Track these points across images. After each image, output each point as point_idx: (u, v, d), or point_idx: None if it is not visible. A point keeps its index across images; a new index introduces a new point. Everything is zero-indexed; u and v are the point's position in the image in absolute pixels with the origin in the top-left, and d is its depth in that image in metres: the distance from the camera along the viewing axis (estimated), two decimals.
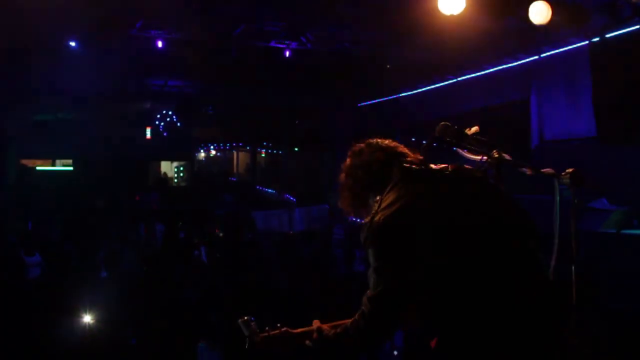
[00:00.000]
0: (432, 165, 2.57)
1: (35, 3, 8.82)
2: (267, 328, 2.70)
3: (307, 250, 13.56)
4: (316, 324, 2.65)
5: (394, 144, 2.69)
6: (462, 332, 2.27)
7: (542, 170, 2.49)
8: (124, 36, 10.64)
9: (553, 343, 2.28)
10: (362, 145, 2.72)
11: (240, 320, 2.72)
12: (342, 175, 2.74)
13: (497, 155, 2.55)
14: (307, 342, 2.64)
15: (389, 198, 2.41)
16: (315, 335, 2.61)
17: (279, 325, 2.72)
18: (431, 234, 2.28)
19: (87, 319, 7.57)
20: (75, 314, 7.70)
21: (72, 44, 10.69)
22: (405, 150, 2.66)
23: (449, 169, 2.52)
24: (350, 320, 2.50)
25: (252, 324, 2.70)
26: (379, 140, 2.71)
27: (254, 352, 2.67)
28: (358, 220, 16.32)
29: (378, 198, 2.49)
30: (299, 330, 2.70)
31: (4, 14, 9.23)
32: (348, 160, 2.74)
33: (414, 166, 2.52)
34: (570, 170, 2.38)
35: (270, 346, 2.66)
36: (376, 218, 2.38)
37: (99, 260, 10.94)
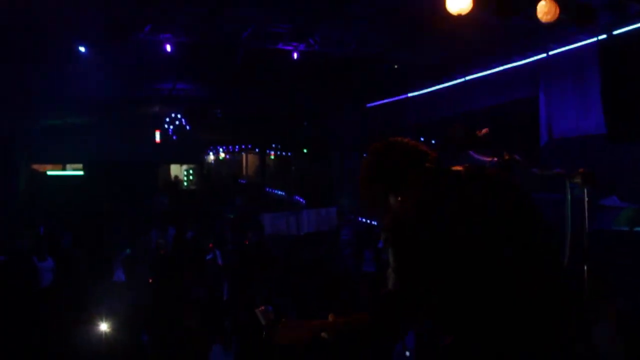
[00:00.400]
0: (450, 166, 2.57)
1: (44, 8, 8.90)
2: (283, 319, 2.72)
3: (315, 252, 13.61)
4: (332, 317, 2.68)
5: (414, 142, 2.66)
6: (476, 332, 2.28)
7: (553, 170, 2.50)
8: (132, 40, 10.69)
9: (566, 342, 2.29)
10: (383, 144, 2.70)
11: (257, 310, 2.72)
12: (363, 175, 2.72)
13: (507, 157, 2.56)
14: (323, 334, 2.66)
15: (410, 198, 2.42)
16: (331, 327, 2.63)
17: (295, 316, 2.74)
18: (449, 235, 2.29)
19: (103, 326, 7.60)
20: (89, 318, 7.74)
21: (82, 49, 10.75)
22: (426, 150, 2.64)
23: (467, 170, 2.52)
24: (365, 315, 2.52)
25: (270, 314, 2.71)
26: (399, 139, 2.69)
27: (270, 343, 2.68)
28: (367, 221, 16.36)
29: (399, 198, 2.50)
30: (315, 322, 2.70)
31: (13, 19, 9.32)
32: (369, 159, 2.71)
33: (434, 166, 2.53)
34: (581, 170, 2.39)
35: (287, 337, 2.67)
36: (397, 218, 2.39)
37: (115, 263, 10.99)
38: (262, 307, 2.73)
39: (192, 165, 29.31)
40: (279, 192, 25.79)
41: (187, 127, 23.90)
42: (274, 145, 29.72)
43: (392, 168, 2.60)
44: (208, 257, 11.57)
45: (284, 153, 30.25)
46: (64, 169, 24.42)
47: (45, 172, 22.98)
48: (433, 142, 14.87)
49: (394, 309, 2.39)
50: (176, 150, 24.40)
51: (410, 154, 2.60)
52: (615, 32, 8.67)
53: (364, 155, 2.77)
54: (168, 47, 10.73)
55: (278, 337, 2.65)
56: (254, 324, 2.74)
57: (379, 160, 2.66)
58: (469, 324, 2.28)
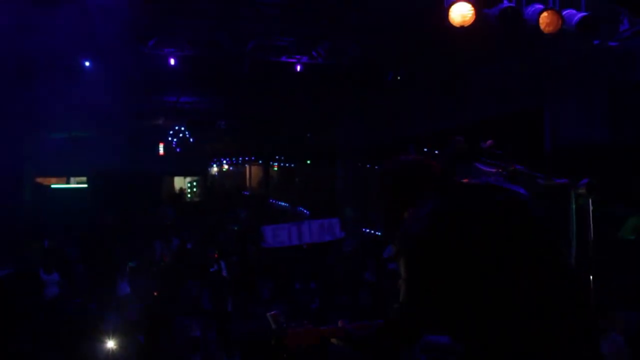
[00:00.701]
0: (457, 179, 2.61)
1: (50, 23, 8.97)
2: (293, 324, 2.75)
3: (318, 262, 13.62)
4: (341, 323, 2.71)
5: (420, 157, 2.73)
6: (487, 341, 2.29)
7: (557, 180, 2.51)
8: (136, 54, 10.75)
9: (576, 351, 2.29)
10: (391, 162, 2.77)
11: (269, 314, 2.76)
12: (376, 196, 2.79)
13: (512, 168, 2.58)
14: (333, 340, 2.69)
15: (419, 212, 2.46)
16: (341, 334, 2.67)
17: (305, 322, 2.77)
18: (457, 246, 2.31)
19: (109, 341, 7.59)
20: (95, 332, 7.74)
21: (87, 63, 10.82)
22: (433, 163, 2.70)
23: (474, 182, 2.57)
24: (375, 323, 2.57)
25: (281, 319, 2.74)
26: (406, 156, 2.76)
27: (279, 347, 2.71)
28: (371, 231, 16.35)
29: (411, 211, 2.54)
30: (325, 328, 2.74)
31: (19, 33, 9.38)
32: (379, 179, 2.78)
33: (441, 180, 2.57)
34: (585, 181, 2.40)
35: (297, 341, 2.70)
36: (406, 231, 2.43)
37: (120, 276, 10.99)
38: (273, 312, 2.77)
39: (195, 177, 29.36)
40: (283, 204, 25.79)
41: (191, 140, 23.98)
42: (277, 157, 29.75)
43: (401, 184, 2.66)
44: (212, 269, 11.57)
45: (287, 164, 30.28)
46: (68, 182, 24.45)
47: (50, 186, 23.01)
48: (436, 152, 14.88)
49: (404, 318, 2.42)
50: (180, 163, 24.48)
51: (418, 169, 2.66)
52: (618, 42, 8.68)
53: (367, 166, 2.82)
54: (172, 61, 10.79)
55: (288, 342, 2.69)
56: (258, 334, 2.77)
57: (389, 179, 2.72)
58: (479, 333, 2.29)
